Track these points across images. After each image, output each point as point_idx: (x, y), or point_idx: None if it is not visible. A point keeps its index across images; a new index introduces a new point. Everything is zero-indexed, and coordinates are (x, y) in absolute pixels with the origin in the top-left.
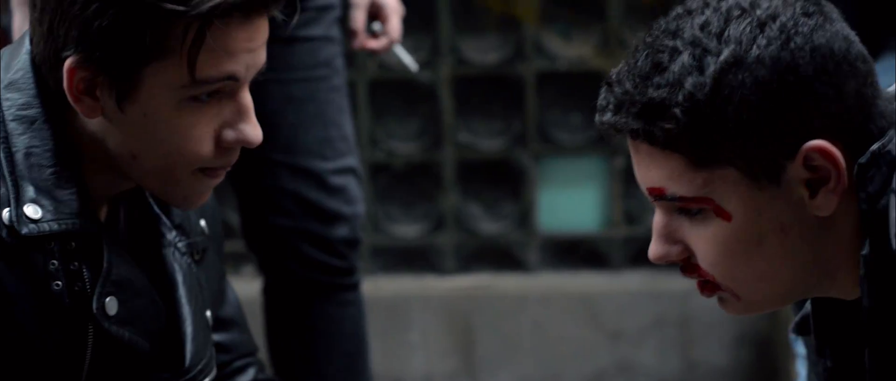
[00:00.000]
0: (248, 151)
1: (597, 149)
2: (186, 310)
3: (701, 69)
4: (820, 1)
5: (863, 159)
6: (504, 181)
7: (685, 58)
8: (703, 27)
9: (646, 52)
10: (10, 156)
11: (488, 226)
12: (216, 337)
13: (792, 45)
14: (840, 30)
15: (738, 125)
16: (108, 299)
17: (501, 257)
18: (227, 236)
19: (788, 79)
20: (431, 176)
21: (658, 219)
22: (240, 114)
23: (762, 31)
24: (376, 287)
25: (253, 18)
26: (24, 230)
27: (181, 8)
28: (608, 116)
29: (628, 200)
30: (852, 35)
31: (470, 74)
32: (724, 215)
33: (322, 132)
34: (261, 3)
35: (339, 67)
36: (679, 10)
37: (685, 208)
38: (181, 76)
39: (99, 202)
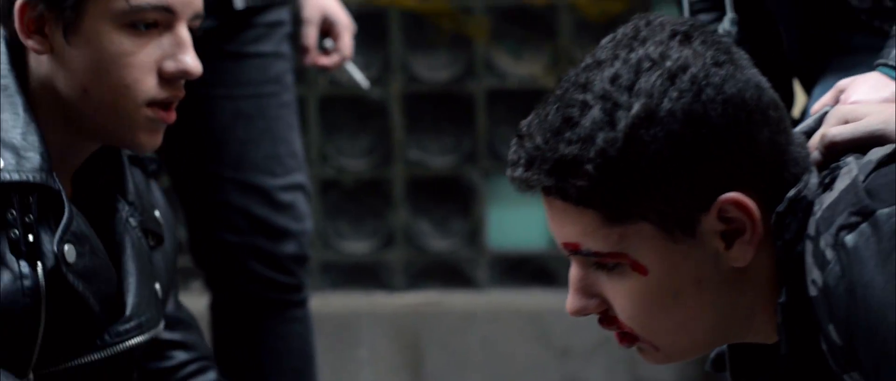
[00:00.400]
0: (196, 166)
1: None
2: (131, 267)
3: (612, 124)
4: (730, 49)
5: (780, 208)
6: (454, 198)
7: (596, 112)
8: (613, 80)
9: (556, 106)
10: None
11: (438, 243)
12: (175, 336)
13: (703, 96)
14: (751, 77)
15: (651, 180)
16: (67, 247)
17: (450, 274)
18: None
19: (701, 131)
20: (381, 193)
21: (574, 272)
22: (179, 46)
23: (673, 83)
24: (325, 304)
25: None
26: None
27: None
28: (520, 172)
29: None
30: (764, 82)
31: (420, 91)
32: (640, 269)
33: (271, 149)
34: None
35: (288, 84)
36: (589, 60)
37: (601, 262)
38: (118, 2)
39: (62, 172)
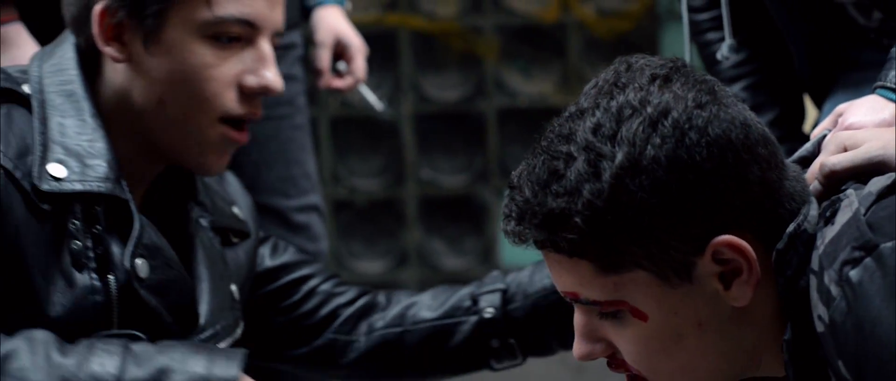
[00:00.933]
0: None
1: None
2: (203, 273)
3: (597, 175)
4: (713, 88)
5: (780, 244)
6: (466, 217)
7: (580, 164)
8: (595, 130)
9: (542, 158)
10: (44, 120)
11: (451, 261)
12: (296, 274)
13: (687, 141)
14: (736, 116)
15: (640, 228)
16: (138, 261)
17: None
18: None
19: (687, 176)
20: (394, 212)
21: (578, 319)
22: (261, 61)
23: (655, 129)
24: None
25: None
26: (45, 187)
27: None
28: (512, 226)
29: None
30: (751, 118)
31: (431, 111)
32: (639, 315)
33: (284, 170)
34: None
35: (301, 106)
36: (572, 109)
37: (602, 311)
38: (202, 12)
39: (132, 184)
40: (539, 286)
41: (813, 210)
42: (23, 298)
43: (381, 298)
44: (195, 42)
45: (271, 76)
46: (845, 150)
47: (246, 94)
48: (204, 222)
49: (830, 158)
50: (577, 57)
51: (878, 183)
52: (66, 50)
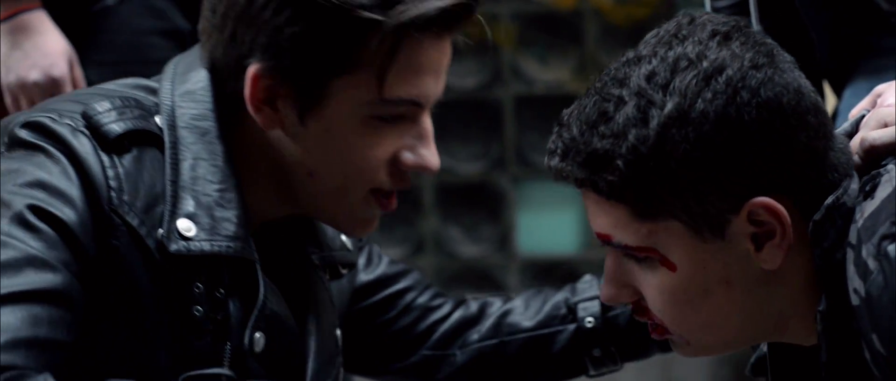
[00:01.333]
0: None
1: None
2: (313, 325)
3: (645, 121)
4: (772, 51)
5: (818, 216)
6: (483, 205)
7: (630, 109)
8: (649, 77)
9: (594, 99)
10: (175, 164)
11: (468, 249)
12: (392, 288)
13: (738, 99)
14: (791, 82)
15: (681, 179)
16: (257, 335)
17: (481, 280)
18: None
19: (733, 134)
20: (411, 200)
21: (608, 262)
22: (421, 138)
23: (708, 84)
24: None
25: (445, 37)
26: (173, 248)
27: (380, 17)
28: (555, 162)
29: None
30: (805, 85)
31: (448, 98)
32: (669, 265)
33: None
34: (456, 19)
35: None
36: (630, 54)
37: (632, 255)
38: (370, 92)
39: (253, 226)
40: None
41: (853, 184)
42: (134, 353)
43: (473, 307)
44: (358, 121)
45: (430, 156)
46: (885, 125)
47: (400, 169)
48: (315, 259)
49: (871, 134)
50: (594, 44)
51: None
52: (200, 77)
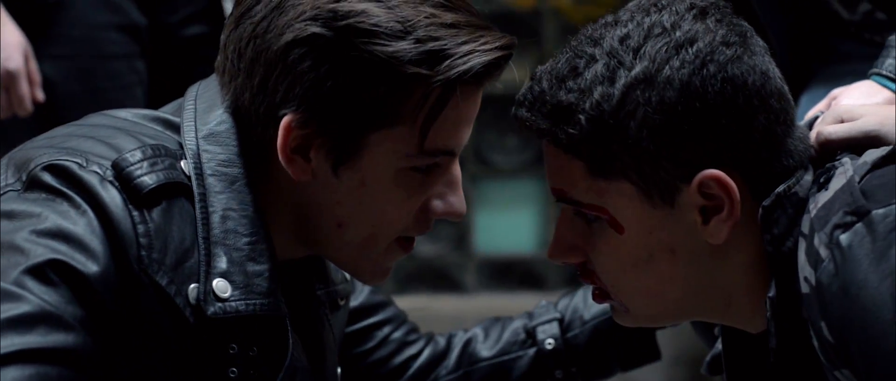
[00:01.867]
0: None
1: (533, 171)
2: (320, 367)
3: (612, 80)
4: (746, 33)
5: (767, 202)
6: None
7: (599, 67)
8: (622, 40)
9: (567, 55)
10: (206, 217)
11: (425, 248)
12: (372, 319)
13: (704, 72)
14: (759, 64)
15: (637, 142)
16: None
17: (439, 279)
18: None
19: (694, 105)
20: None
21: (560, 219)
22: (450, 186)
23: (677, 53)
24: None
25: (483, 86)
26: (210, 311)
27: (426, 72)
28: (522, 112)
29: None
30: (773, 71)
31: None
32: (617, 226)
33: None
34: (498, 69)
35: None
36: (608, 17)
37: (582, 212)
38: (409, 145)
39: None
40: (595, 310)
41: (808, 175)
42: None
43: (441, 343)
44: (393, 173)
45: (458, 203)
46: (842, 121)
47: (427, 217)
48: (322, 296)
49: (826, 128)
50: (553, 44)
51: (873, 154)
52: (224, 119)
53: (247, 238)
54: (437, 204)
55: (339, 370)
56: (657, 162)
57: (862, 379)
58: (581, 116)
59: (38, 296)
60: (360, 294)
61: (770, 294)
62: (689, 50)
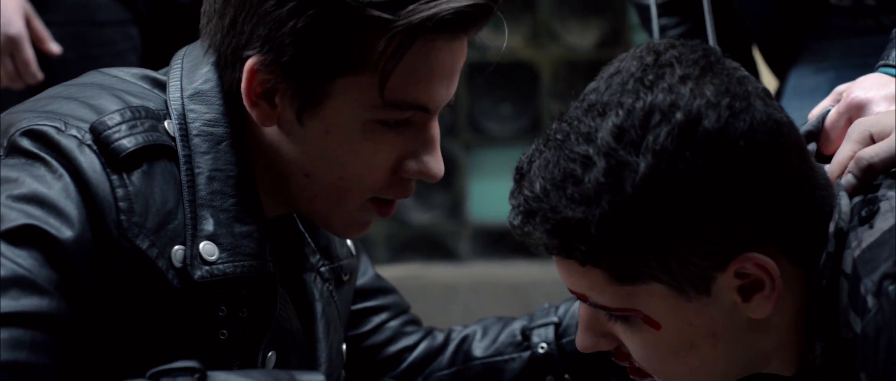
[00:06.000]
0: None
1: (527, 139)
2: (323, 347)
3: (619, 186)
4: (747, 91)
5: (830, 248)
6: None
7: (600, 172)
8: (618, 135)
9: (557, 156)
10: (192, 177)
11: (419, 216)
12: (371, 303)
13: (718, 156)
14: (771, 125)
15: (660, 243)
16: (270, 354)
17: (432, 247)
18: None
19: (714, 193)
20: None
21: (584, 312)
22: (426, 145)
23: (684, 141)
24: None
25: (460, 38)
26: (197, 275)
27: (389, 16)
28: (519, 222)
29: None
30: (784, 120)
31: None
32: (652, 323)
33: None
34: (474, 20)
35: None
36: (591, 98)
37: (612, 315)
38: (373, 95)
39: None
40: None
41: (844, 206)
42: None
43: (439, 338)
44: (359, 125)
45: (434, 163)
46: (872, 138)
47: (402, 177)
48: (325, 270)
49: (866, 151)
50: (547, 11)
51: None
52: (208, 74)
53: (234, 199)
54: (411, 164)
55: (343, 347)
56: (685, 258)
57: None
58: (592, 229)
59: (10, 260)
60: (364, 275)
61: (823, 344)
62: (696, 134)
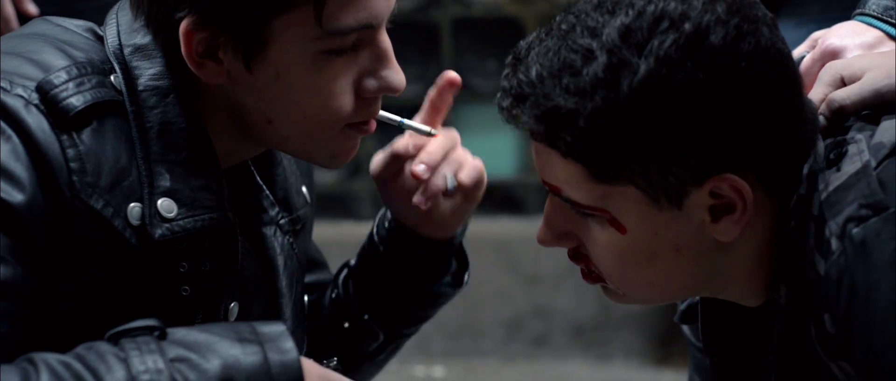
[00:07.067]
0: None
1: None
2: (287, 301)
3: (615, 83)
4: (756, 15)
5: (802, 189)
6: None
7: (599, 66)
8: (624, 34)
9: (559, 44)
10: (143, 132)
11: None
12: (309, 278)
13: (719, 73)
14: (773, 52)
15: (645, 148)
16: (232, 304)
17: None
18: None
19: (708, 109)
20: None
21: (550, 206)
22: (379, 59)
23: (688, 52)
24: None
25: None
26: (158, 234)
27: None
28: (508, 103)
29: None
30: (784, 50)
31: None
32: (618, 226)
33: None
34: None
35: None
36: None
37: (581, 211)
38: (313, 28)
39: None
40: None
41: (820, 148)
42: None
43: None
44: (308, 60)
45: (392, 75)
46: (843, 80)
47: (365, 98)
48: (284, 223)
49: (838, 94)
50: None
51: (889, 132)
52: (144, 31)
53: (187, 152)
54: (370, 83)
55: (306, 298)
56: (666, 167)
57: (861, 377)
58: (581, 122)
59: None
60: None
61: (785, 287)
62: (701, 48)
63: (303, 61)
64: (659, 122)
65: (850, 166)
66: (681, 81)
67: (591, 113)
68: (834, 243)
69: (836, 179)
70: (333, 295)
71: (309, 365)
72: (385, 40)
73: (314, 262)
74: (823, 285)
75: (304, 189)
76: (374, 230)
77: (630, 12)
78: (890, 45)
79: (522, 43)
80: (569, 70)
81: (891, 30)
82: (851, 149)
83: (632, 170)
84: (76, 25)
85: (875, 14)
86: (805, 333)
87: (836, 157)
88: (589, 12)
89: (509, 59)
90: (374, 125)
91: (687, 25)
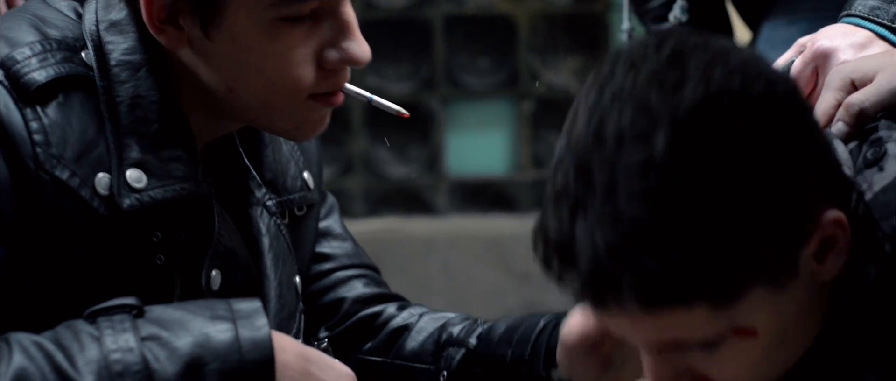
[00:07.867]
0: None
1: (504, 92)
2: (271, 283)
3: (699, 217)
4: (773, 81)
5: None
6: (412, 125)
7: (668, 213)
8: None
9: (602, 206)
10: (113, 106)
11: (397, 170)
12: (327, 249)
13: (765, 155)
14: (777, 89)
15: (757, 245)
16: (213, 273)
17: (410, 201)
18: None
19: (775, 169)
20: (340, 120)
21: (659, 365)
22: (342, 31)
23: (731, 157)
24: None
25: None
26: (126, 204)
27: None
28: (577, 285)
29: (536, 143)
30: (791, 82)
31: (378, 17)
32: (749, 333)
33: None
34: None
35: None
36: (609, 131)
37: (705, 345)
38: None
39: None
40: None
41: (842, 153)
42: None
43: (376, 312)
44: (264, 26)
45: (356, 48)
46: (853, 84)
47: (327, 69)
48: (271, 204)
49: (855, 97)
50: None
51: None
52: (120, 5)
53: (158, 124)
54: (332, 54)
55: (297, 280)
56: (776, 247)
57: None
58: (691, 271)
59: None
60: (327, 218)
61: (844, 294)
62: (745, 152)
63: (258, 28)
64: (746, 209)
65: (891, 166)
66: (743, 167)
67: (696, 255)
68: (888, 248)
69: (881, 179)
70: (442, 378)
71: (285, 342)
72: (348, 12)
73: (336, 235)
74: (878, 292)
75: (306, 175)
76: (528, 352)
77: (655, 143)
78: (880, 44)
79: (550, 226)
80: (637, 232)
81: (880, 29)
82: (890, 148)
83: (751, 273)
84: (63, 5)
85: (862, 14)
86: (845, 343)
87: (875, 156)
88: (620, 159)
89: (546, 248)
90: (340, 98)
91: (727, 149)
